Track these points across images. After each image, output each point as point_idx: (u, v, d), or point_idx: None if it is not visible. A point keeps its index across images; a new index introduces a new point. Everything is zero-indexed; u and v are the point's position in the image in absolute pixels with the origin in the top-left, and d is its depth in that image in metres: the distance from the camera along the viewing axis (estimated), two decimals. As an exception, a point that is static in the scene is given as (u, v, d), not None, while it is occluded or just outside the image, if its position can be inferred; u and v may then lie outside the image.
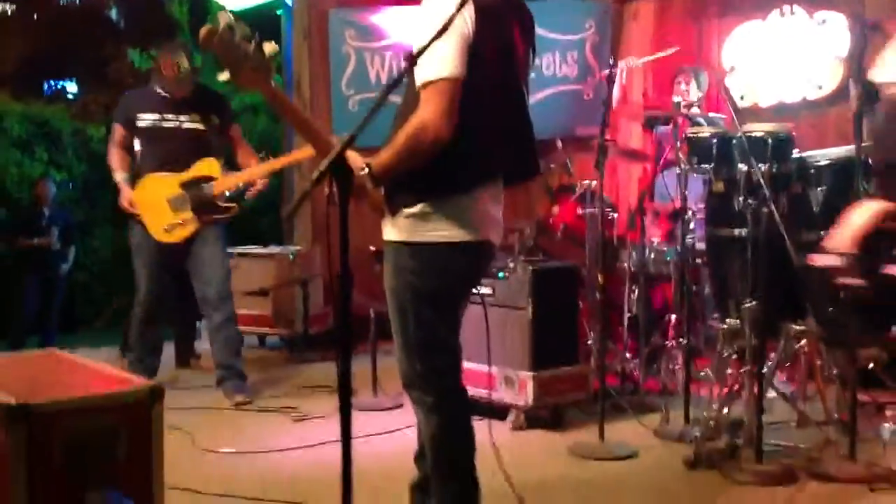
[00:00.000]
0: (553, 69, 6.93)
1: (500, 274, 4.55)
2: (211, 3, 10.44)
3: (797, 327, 4.12)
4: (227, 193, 5.18)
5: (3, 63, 14.63)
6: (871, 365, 4.33)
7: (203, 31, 2.58)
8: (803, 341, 4.52)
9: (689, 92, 5.06)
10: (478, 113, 2.70)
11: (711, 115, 5.16)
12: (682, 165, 4.27)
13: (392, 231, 2.82)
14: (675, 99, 4.33)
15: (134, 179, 5.29)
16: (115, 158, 5.33)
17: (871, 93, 3.52)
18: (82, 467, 2.50)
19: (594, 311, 4.41)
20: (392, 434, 4.44)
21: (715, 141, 4.06)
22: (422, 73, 2.65)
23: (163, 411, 2.71)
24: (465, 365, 4.31)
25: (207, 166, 5.18)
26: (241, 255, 6.78)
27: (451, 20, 2.38)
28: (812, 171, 4.02)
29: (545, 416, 4.55)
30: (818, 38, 5.97)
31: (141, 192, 5.22)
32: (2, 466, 2.49)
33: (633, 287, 5.13)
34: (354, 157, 2.68)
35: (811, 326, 4.18)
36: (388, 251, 2.85)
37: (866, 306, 3.35)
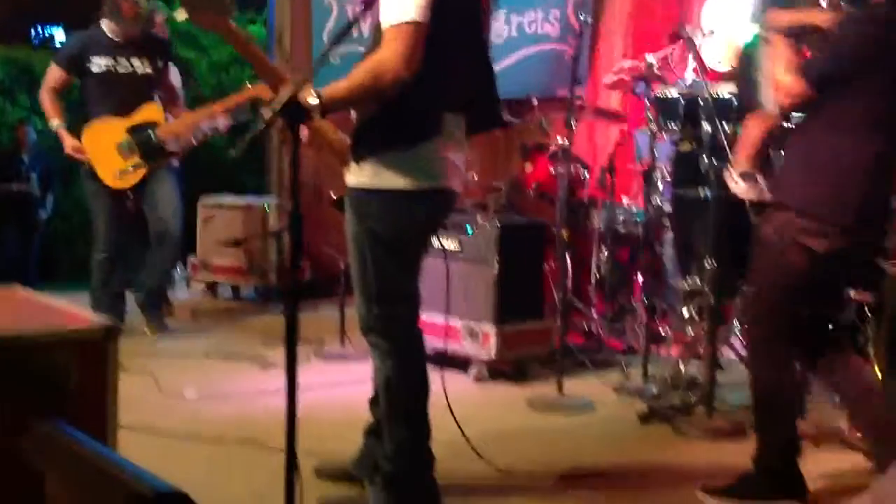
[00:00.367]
0: (535, 27, 6.90)
1: (469, 229, 4.60)
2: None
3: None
4: (178, 140, 5.26)
5: (-10, 9, 14.50)
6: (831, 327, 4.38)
7: None
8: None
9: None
10: (440, 61, 2.72)
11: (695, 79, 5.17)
12: (651, 126, 4.30)
13: (354, 177, 2.86)
14: (649, 59, 4.35)
15: (81, 124, 5.30)
16: (51, 104, 5.29)
17: None
18: (34, 400, 2.55)
19: (560, 268, 4.45)
20: (357, 383, 4.49)
21: (682, 101, 4.09)
22: (386, 16, 2.67)
23: (117, 350, 2.73)
24: (429, 317, 4.43)
25: (151, 111, 5.23)
26: (216, 205, 6.80)
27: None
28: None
29: (507, 369, 4.62)
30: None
31: (89, 138, 5.24)
32: None
33: (602, 247, 5.17)
34: (308, 90, 2.69)
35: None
36: (350, 197, 2.89)
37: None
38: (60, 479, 2.11)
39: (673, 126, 4.19)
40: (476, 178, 5.59)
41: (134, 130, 5.20)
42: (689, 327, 4.36)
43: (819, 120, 3.04)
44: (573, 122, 4.16)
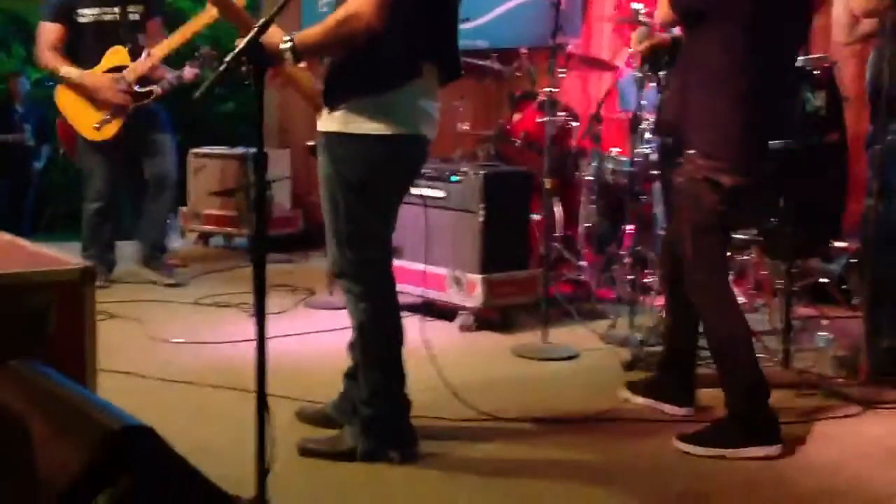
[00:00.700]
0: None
1: (453, 178, 4.59)
2: None
3: (741, 237, 4.18)
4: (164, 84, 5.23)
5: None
6: (820, 279, 4.41)
7: None
8: (752, 254, 4.61)
9: None
10: (412, 9, 2.72)
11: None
12: (637, 73, 4.28)
13: (327, 123, 2.87)
14: (635, 6, 4.32)
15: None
16: (54, 57, 5.21)
17: None
18: (11, 339, 2.57)
19: (546, 217, 4.45)
20: (343, 330, 4.52)
21: (664, 48, 4.07)
22: None
23: (94, 292, 2.75)
24: (413, 266, 4.45)
25: (116, 56, 5.17)
26: (206, 155, 6.79)
27: None
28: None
29: (494, 318, 4.64)
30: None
31: (63, 95, 5.23)
32: None
33: (591, 196, 5.17)
34: (276, 32, 2.69)
35: (755, 237, 4.25)
36: (322, 142, 2.90)
37: (807, 217, 3.41)
38: (38, 415, 2.14)
39: (660, 73, 4.16)
40: (466, 128, 5.59)
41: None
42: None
43: (693, 57, 3.15)
44: (559, 71, 4.13)
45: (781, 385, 3.72)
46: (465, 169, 4.63)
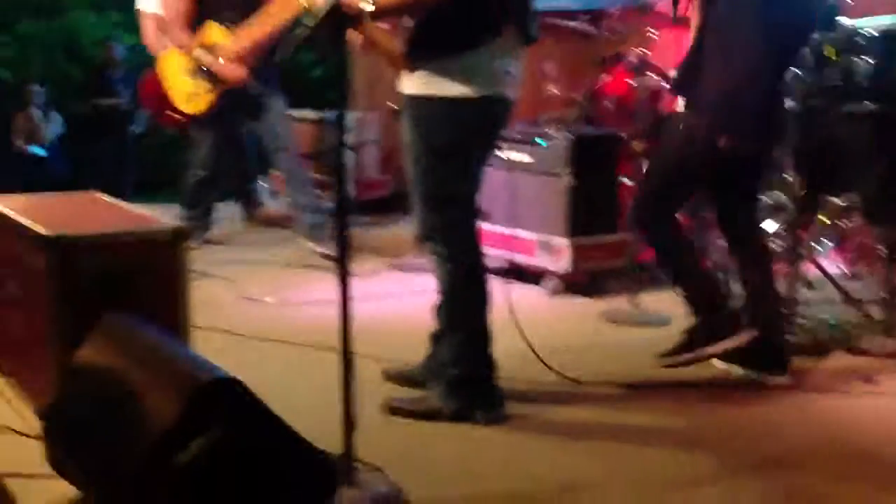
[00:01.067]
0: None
1: (541, 141, 4.56)
2: None
3: (839, 202, 4.06)
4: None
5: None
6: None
7: None
8: (853, 220, 4.46)
9: None
10: None
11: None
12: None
13: (409, 85, 2.89)
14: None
15: None
16: (185, 36, 5.14)
17: None
18: (110, 294, 2.68)
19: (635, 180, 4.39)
20: (428, 293, 4.55)
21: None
22: None
23: (186, 251, 2.86)
24: (500, 229, 4.44)
25: (213, 32, 5.12)
26: (294, 118, 6.85)
27: None
28: (860, 40, 3.88)
29: (582, 282, 4.61)
30: None
31: (163, 64, 5.28)
32: (39, 287, 2.74)
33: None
34: None
35: (855, 202, 4.12)
36: (406, 105, 2.91)
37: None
38: (134, 367, 2.22)
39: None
40: (555, 91, 5.52)
41: (199, 53, 5.11)
42: (773, 243, 4.25)
43: (711, 27, 3.28)
44: (650, 32, 4.06)
45: (884, 355, 3.64)
46: (552, 132, 4.58)
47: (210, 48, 5.12)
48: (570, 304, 4.50)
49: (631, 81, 4.60)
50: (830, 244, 4.30)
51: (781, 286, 4.05)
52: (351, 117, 6.79)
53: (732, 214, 3.56)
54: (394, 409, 3.02)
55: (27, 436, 2.70)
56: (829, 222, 4.18)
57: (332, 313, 4.09)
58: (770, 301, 3.51)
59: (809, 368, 3.55)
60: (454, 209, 2.92)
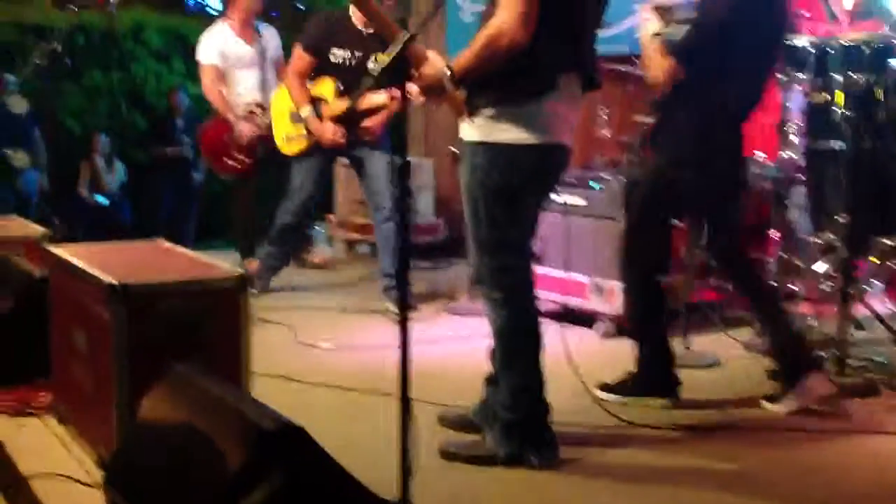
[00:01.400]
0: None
1: (595, 185, 4.61)
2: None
3: (889, 243, 4.05)
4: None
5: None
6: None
7: None
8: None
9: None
10: (554, 20, 2.77)
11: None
12: (781, 77, 4.20)
13: (469, 131, 2.96)
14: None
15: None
16: (299, 91, 5.20)
17: None
18: (174, 343, 2.76)
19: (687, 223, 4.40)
20: (485, 337, 4.59)
21: (812, 50, 3.98)
22: None
23: (248, 299, 2.93)
24: (551, 272, 4.48)
25: (324, 87, 5.22)
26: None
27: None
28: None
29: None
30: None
31: (276, 98, 5.47)
32: (105, 339, 2.79)
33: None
34: (436, 59, 2.83)
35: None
36: (465, 151, 2.99)
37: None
38: (199, 415, 2.29)
39: (802, 75, 4.08)
40: (609, 135, 5.57)
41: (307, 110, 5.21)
42: (823, 283, 4.25)
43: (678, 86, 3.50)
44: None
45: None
46: (606, 176, 4.63)
47: (317, 100, 5.22)
48: (623, 346, 4.50)
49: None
50: (881, 284, 4.28)
51: (832, 327, 4.07)
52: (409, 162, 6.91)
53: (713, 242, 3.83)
54: (449, 455, 3.06)
55: (87, 485, 2.74)
56: (879, 263, 4.17)
57: (387, 358, 4.20)
58: (779, 324, 3.66)
59: (860, 409, 3.54)
60: (509, 254, 2.98)
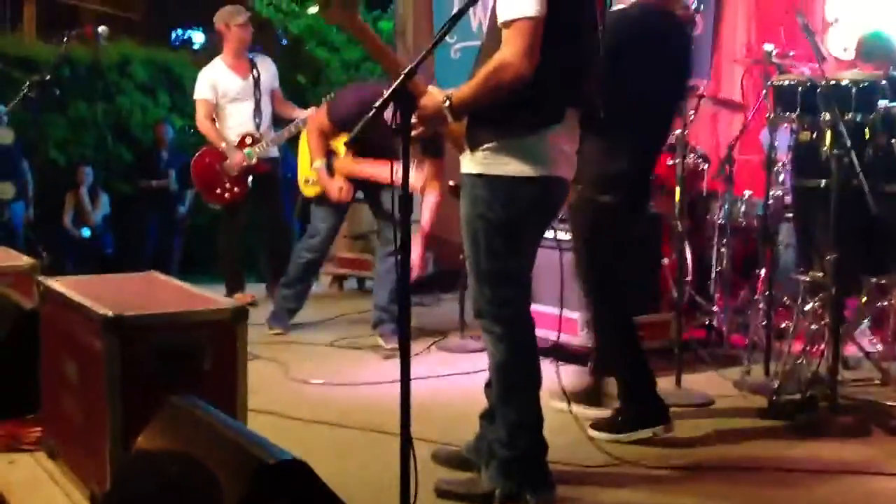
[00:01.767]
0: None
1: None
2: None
3: (878, 281, 4.08)
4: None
5: (133, 9, 15.22)
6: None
7: None
8: (891, 299, 4.47)
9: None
10: (554, 53, 2.79)
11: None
12: (769, 115, 4.25)
13: (469, 164, 2.96)
14: (767, 48, 4.31)
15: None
16: (317, 145, 5.18)
17: None
18: (169, 376, 2.73)
19: (677, 261, 4.44)
20: (476, 372, 4.58)
21: (799, 89, 4.03)
22: (505, 11, 2.77)
23: (246, 330, 2.90)
24: (544, 309, 4.47)
25: (339, 140, 5.21)
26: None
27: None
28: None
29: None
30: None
31: (302, 140, 5.50)
32: (98, 371, 2.75)
33: (722, 240, 5.11)
34: (435, 92, 2.84)
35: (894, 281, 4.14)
36: (465, 183, 2.99)
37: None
38: (199, 448, 2.26)
39: (790, 114, 4.13)
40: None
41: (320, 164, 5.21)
42: (812, 322, 4.27)
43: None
44: (689, 112, 4.15)
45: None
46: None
47: (331, 153, 5.22)
48: (614, 384, 4.50)
49: (670, 162, 4.67)
50: (868, 324, 4.31)
51: (822, 366, 4.08)
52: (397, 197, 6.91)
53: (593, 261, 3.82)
54: (444, 493, 3.02)
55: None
56: (866, 301, 4.20)
57: (377, 394, 4.20)
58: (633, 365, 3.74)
59: (848, 448, 3.55)
60: (509, 287, 2.97)
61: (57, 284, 3.20)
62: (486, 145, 2.88)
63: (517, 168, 2.86)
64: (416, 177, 4.91)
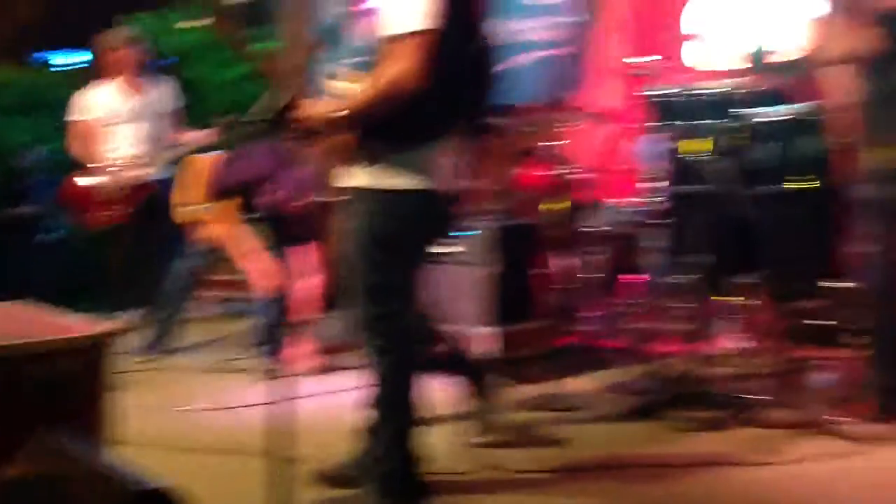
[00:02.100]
0: (531, 34, 6.93)
1: (462, 233, 4.66)
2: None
3: (741, 281, 4.24)
4: None
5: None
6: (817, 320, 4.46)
7: None
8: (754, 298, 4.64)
9: None
10: (449, 68, 2.82)
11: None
12: (646, 124, 4.38)
13: (356, 177, 2.96)
14: (640, 60, 4.45)
15: None
16: (210, 189, 5.19)
17: None
18: (32, 407, 2.63)
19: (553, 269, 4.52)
20: (361, 389, 4.55)
21: (671, 99, 4.16)
22: (393, 26, 2.78)
23: (113, 357, 2.82)
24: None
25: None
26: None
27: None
28: (764, 127, 4.12)
29: (506, 371, 4.66)
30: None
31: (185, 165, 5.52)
32: None
33: (596, 247, 5.21)
34: (314, 103, 2.82)
35: (760, 281, 4.30)
36: (350, 197, 2.99)
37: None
38: (65, 480, 2.19)
39: (667, 123, 4.26)
40: (472, 184, 5.65)
41: None
42: (680, 323, 4.41)
43: None
44: (560, 125, 4.23)
45: (778, 426, 3.81)
46: (472, 224, 4.69)
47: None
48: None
49: (544, 173, 4.76)
50: (732, 322, 4.46)
51: (685, 364, 4.22)
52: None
53: None
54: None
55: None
56: (734, 301, 4.35)
57: (257, 417, 4.12)
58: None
59: (712, 442, 3.68)
60: (392, 300, 2.97)
61: None
62: (374, 159, 2.89)
63: (400, 181, 2.88)
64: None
